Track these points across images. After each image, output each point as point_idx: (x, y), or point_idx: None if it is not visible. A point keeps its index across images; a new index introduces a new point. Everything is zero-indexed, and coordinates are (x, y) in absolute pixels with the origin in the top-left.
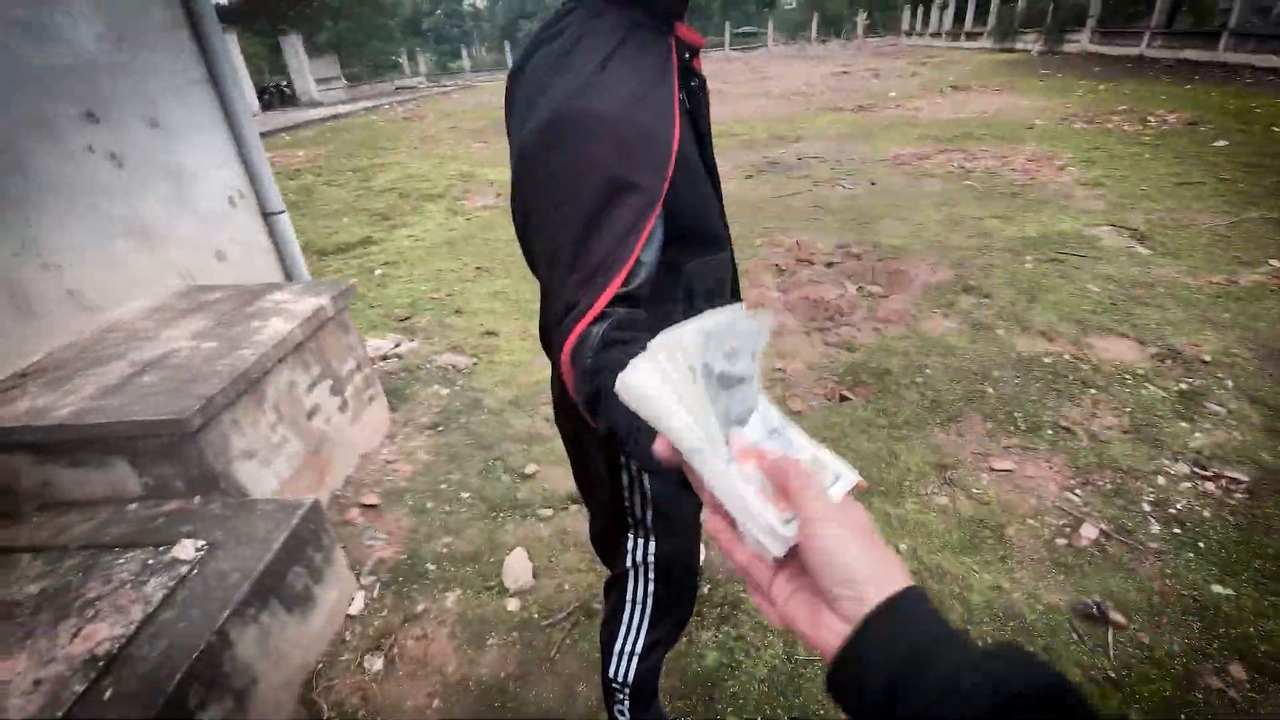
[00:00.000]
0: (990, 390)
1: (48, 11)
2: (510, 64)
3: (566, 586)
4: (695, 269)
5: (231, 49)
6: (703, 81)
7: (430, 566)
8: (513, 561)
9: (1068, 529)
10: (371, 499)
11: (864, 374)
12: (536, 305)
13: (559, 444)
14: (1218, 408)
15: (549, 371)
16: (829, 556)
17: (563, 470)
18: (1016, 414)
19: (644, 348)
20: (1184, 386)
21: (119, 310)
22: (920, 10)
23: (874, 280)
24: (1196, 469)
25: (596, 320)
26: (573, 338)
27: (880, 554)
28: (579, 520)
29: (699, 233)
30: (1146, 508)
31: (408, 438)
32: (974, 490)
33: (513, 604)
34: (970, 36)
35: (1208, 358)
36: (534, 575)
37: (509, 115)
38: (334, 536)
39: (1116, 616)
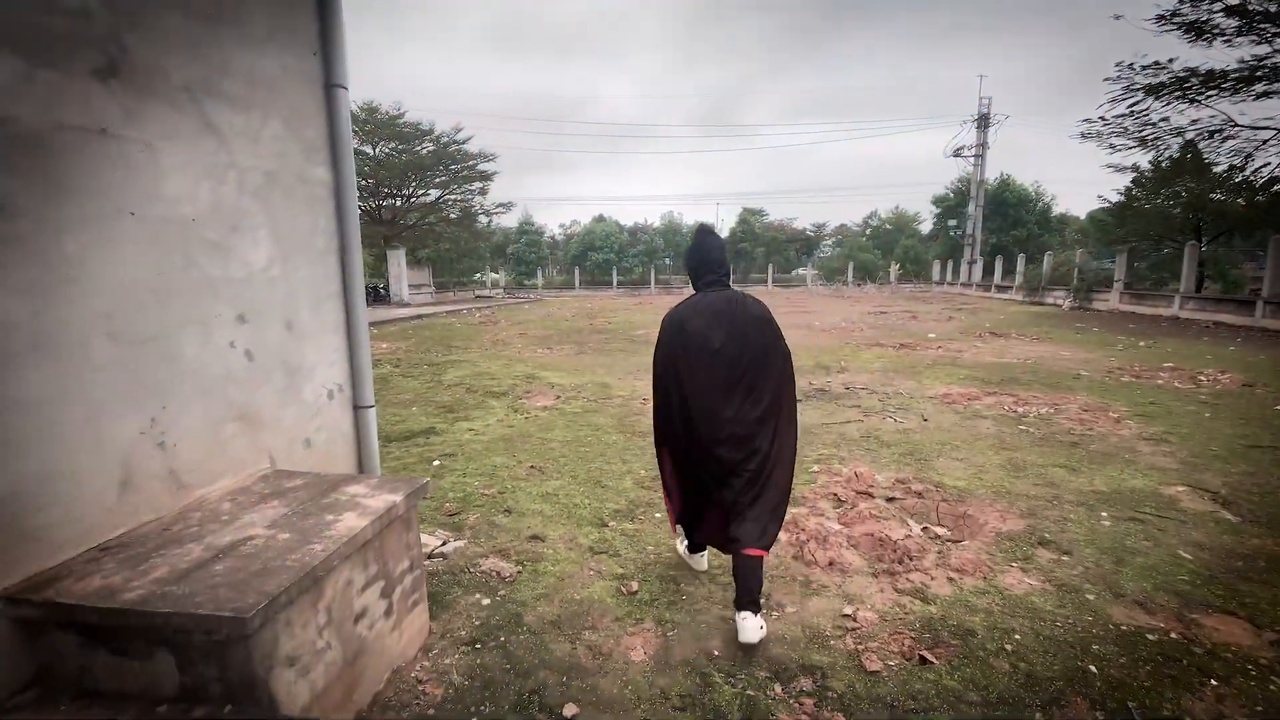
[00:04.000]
0: (1094, 669)
1: (237, 238)
2: (576, 286)
3: None
4: None
5: None
6: None
7: None
8: None
9: None
10: None
11: (944, 632)
12: (585, 511)
13: (600, 681)
14: None
15: (592, 588)
16: None
17: (605, 719)
18: (1130, 703)
19: None
20: None
21: (205, 489)
22: (950, 263)
23: (940, 521)
24: None
25: None
26: None
27: None
28: None
29: None
30: None
31: (443, 653)
32: None
33: None
34: (1000, 289)
35: None
36: None
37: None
38: None
39: None
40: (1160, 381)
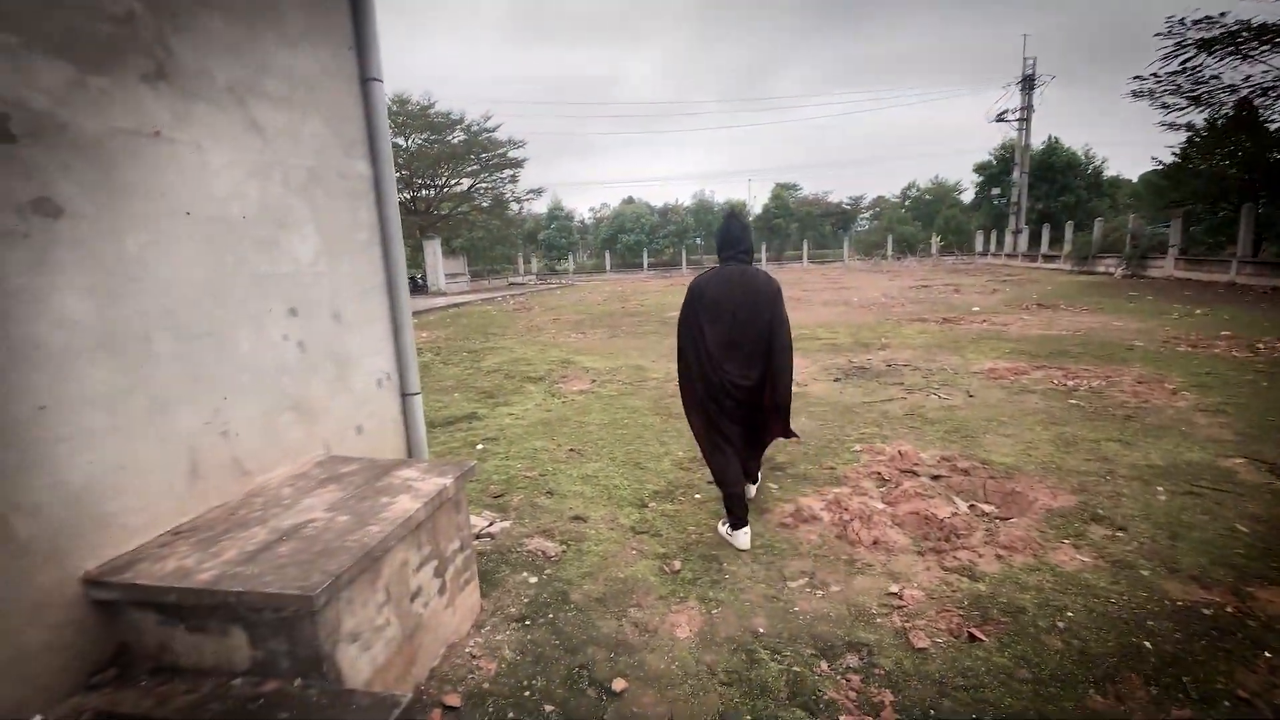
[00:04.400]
0: (1149, 645)
1: (284, 234)
2: (607, 269)
3: None
4: None
5: None
6: None
7: None
8: None
9: None
10: (454, 699)
11: (994, 609)
12: (625, 492)
13: (647, 657)
14: None
15: (635, 567)
16: None
17: (653, 693)
18: (1185, 678)
19: None
20: None
21: (266, 476)
22: (995, 233)
23: (987, 499)
24: None
25: None
26: None
27: None
28: None
29: None
30: None
31: (495, 629)
32: None
33: None
34: (1048, 258)
35: None
36: None
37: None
38: None
39: None
40: (1217, 350)
